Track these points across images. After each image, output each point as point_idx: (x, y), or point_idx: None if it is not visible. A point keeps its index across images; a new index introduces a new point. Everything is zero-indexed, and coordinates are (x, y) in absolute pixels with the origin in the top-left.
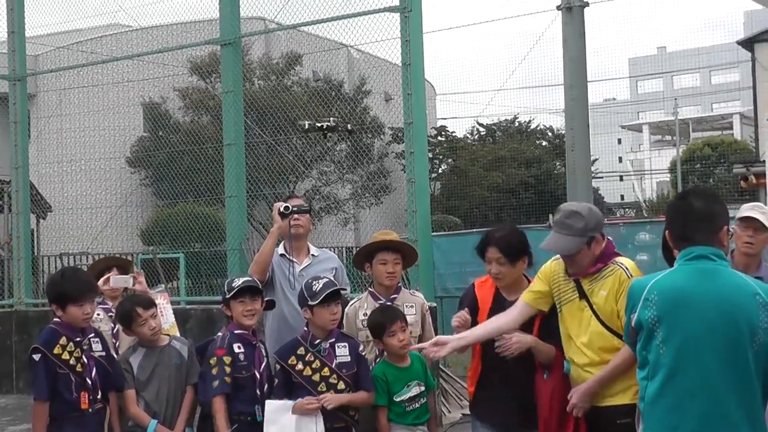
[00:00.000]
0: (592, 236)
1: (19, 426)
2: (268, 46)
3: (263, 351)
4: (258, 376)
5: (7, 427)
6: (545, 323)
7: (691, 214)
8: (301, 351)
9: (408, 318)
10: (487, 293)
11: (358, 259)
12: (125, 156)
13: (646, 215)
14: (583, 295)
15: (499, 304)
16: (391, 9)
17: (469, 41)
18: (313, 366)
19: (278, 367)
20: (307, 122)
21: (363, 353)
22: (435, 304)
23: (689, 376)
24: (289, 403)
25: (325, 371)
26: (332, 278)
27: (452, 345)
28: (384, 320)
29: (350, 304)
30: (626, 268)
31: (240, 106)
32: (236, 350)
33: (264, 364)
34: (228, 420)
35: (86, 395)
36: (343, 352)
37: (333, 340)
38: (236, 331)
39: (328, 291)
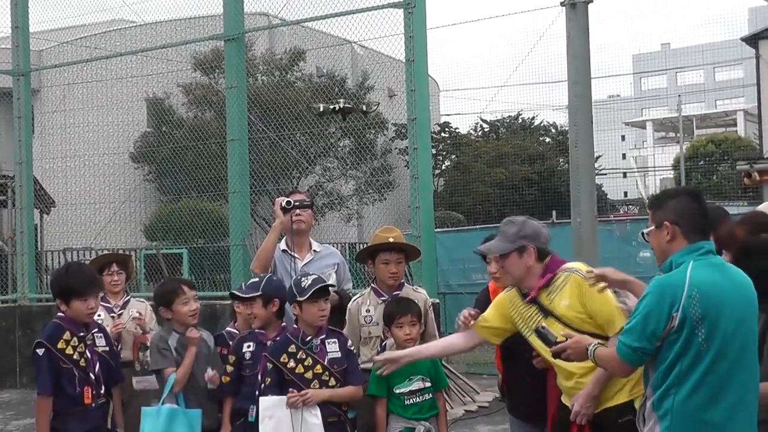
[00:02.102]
0: (523, 245)
1: (22, 420)
2: (271, 42)
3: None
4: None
5: (10, 422)
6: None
7: (706, 212)
8: (292, 349)
9: None
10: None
11: (360, 257)
12: (129, 151)
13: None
14: (547, 312)
15: None
16: (394, 5)
17: (473, 37)
18: (305, 363)
19: (270, 365)
20: (321, 105)
21: (351, 348)
22: (437, 301)
23: (723, 372)
24: (284, 398)
25: (318, 368)
26: (333, 274)
27: (402, 362)
28: (396, 310)
29: (353, 300)
30: (577, 270)
31: (243, 102)
32: (244, 349)
33: None
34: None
35: (90, 390)
36: (333, 347)
37: (323, 336)
38: (246, 331)
39: (317, 287)
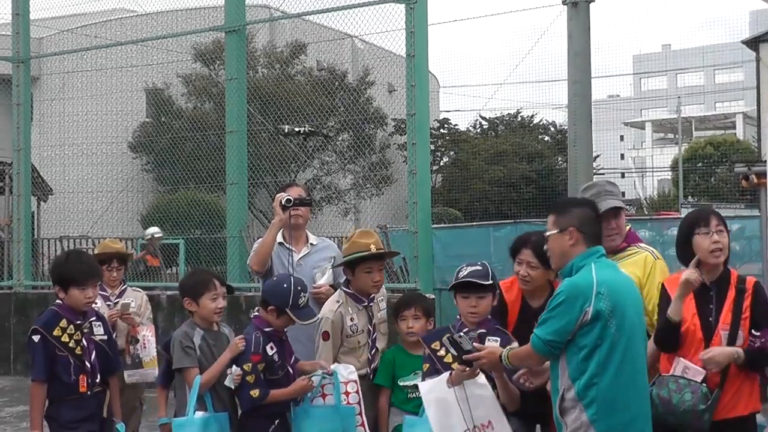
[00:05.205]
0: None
1: (16, 407)
2: (272, 35)
3: (289, 342)
4: (291, 371)
5: (4, 408)
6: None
7: (600, 222)
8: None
9: (381, 314)
10: (514, 300)
11: (342, 266)
12: (127, 141)
13: (646, 213)
14: None
15: (525, 313)
16: (396, 0)
17: (474, 34)
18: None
19: (427, 352)
20: (287, 126)
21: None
22: (434, 296)
23: (634, 358)
24: (443, 377)
25: None
26: (329, 267)
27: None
28: (400, 304)
29: (335, 310)
30: (652, 251)
31: (243, 94)
32: (269, 352)
33: (294, 356)
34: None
35: (85, 378)
36: (492, 344)
37: (484, 331)
38: (266, 329)
39: (462, 280)
